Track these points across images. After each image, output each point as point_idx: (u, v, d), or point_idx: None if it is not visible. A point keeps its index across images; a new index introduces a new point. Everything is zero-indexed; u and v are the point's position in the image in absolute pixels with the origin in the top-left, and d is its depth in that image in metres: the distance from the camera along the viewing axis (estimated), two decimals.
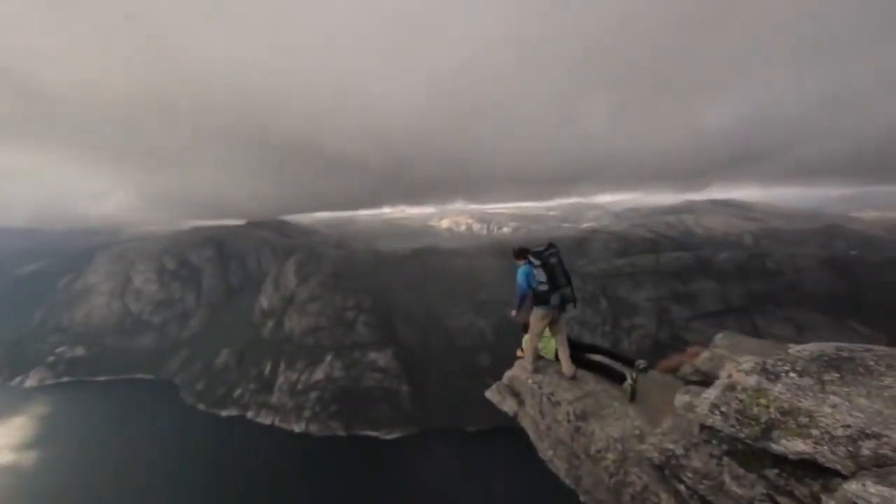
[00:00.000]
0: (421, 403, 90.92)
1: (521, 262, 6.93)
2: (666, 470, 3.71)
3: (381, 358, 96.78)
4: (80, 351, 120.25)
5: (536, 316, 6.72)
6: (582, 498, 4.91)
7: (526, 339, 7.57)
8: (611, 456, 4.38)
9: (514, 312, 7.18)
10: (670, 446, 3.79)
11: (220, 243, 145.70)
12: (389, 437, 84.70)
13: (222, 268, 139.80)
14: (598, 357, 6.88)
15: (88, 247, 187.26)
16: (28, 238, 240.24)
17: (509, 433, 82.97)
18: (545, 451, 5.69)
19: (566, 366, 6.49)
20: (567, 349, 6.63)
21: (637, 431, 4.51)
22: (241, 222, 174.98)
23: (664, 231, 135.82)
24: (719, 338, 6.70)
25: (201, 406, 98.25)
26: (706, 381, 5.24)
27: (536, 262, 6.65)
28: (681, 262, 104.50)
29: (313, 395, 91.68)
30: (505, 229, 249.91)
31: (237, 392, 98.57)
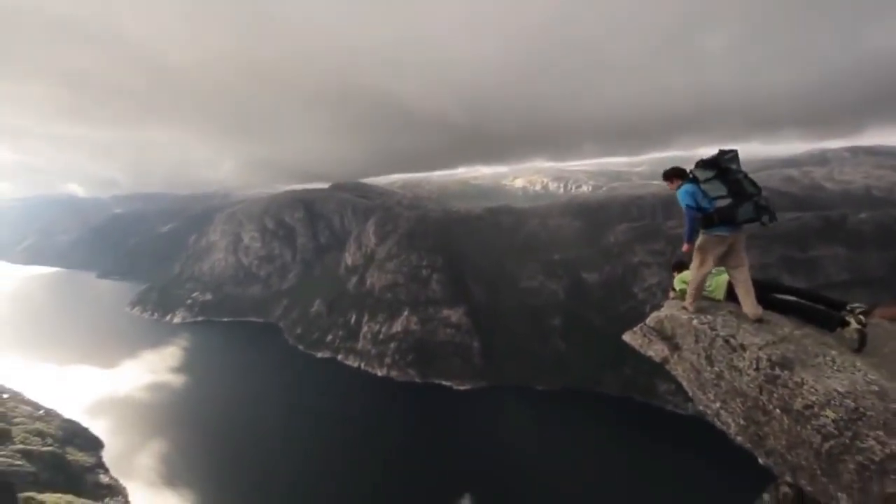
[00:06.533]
0: (491, 359, 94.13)
1: (678, 183, 5.76)
2: None
3: (453, 314, 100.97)
4: (208, 296, 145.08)
5: (710, 243, 5.46)
6: (763, 460, 4.28)
7: (680, 279, 6.34)
8: (830, 413, 3.60)
9: (685, 247, 5.80)
10: None
11: (309, 205, 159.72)
12: (461, 387, 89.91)
13: (312, 227, 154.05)
14: (790, 298, 5.63)
15: (207, 208, 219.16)
16: (163, 201, 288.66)
17: (577, 395, 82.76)
18: (709, 403, 4.87)
19: (750, 304, 5.22)
20: (751, 284, 5.40)
21: (875, 387, 3.62)
22: (325, 185, 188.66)
23: (781, 187, 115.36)
24: None
25: (301, 347, 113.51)
26: None
27: (708, 174, 5.40)
28: (800, 223, 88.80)
29: (393, 344, 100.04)
30: (584, 188, 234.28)
31: (329, 337, 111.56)
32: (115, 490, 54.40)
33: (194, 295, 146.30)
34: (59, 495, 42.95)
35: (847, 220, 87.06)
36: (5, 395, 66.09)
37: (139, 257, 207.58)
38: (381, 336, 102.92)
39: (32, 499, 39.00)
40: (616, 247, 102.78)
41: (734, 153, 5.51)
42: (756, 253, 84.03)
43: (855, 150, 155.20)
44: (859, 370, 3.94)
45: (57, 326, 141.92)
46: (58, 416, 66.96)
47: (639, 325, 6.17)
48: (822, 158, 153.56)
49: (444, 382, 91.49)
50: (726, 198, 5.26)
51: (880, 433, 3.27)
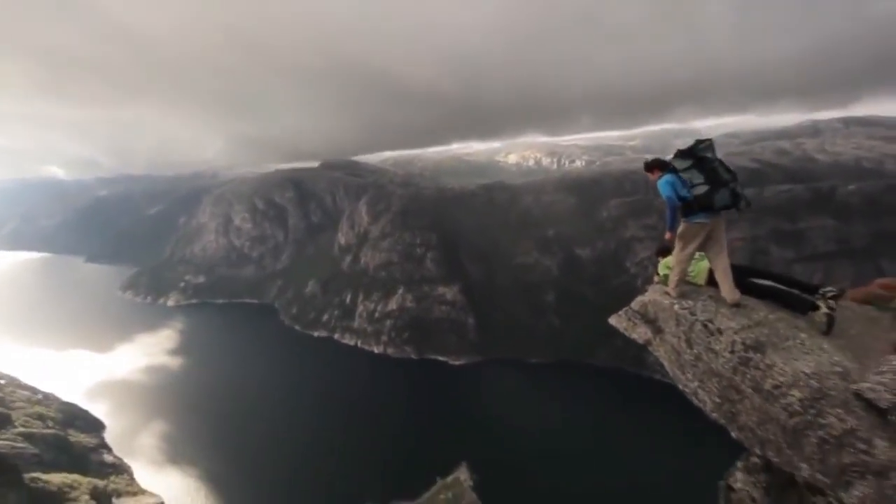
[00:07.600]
0: (486, 335, 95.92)
1: (658, 174, 6.05)
2: (893, 416, 3.31)
3: (448, 292, 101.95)
4: (201, 279, 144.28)
5: (690, 230, 5.69)
6: (735, 434, 4.59)
7: (664, 264, 6.60)
8: (797, 393, 3.86)
9: (668, 235, 6.05)
10: None
11: (299, 184, 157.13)
12: (457, 363, 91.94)
13: (303, 207, 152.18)
14: (767, 283, 5.83)
15: (195, 189, 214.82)
16: (148, 183, 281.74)
17: (570, 367, 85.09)
18: (688, 382, 5.17)
19: (728, 289, 5.42)
20: (730, 270, 5.59)
21: (838, 368, 3.91)
22: (315, 164, 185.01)
23: (772, 159, 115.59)
24: None
25: (297, 327, 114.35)
26: None
27: (685, 164, 5.70)
28: (790, 195, 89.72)
29: (389, 322, 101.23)
30: (577, 162, 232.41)
31: (325, 317, 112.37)
32: (120, 468, 55.75)
33: (187, 277, 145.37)
34: (64, 474, 43.94)
35: (836, 191, 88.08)
36: (2, 381, 66.29)
37: (127, 240, 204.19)
38: (376, 314, 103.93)
39: (38, 479, 39.85)
40: (609, 222, 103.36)
41: (709, 142, 5.77)
42: (746, 226, 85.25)
43: (847, 121, 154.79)
44: (826, 352, 4.20)
45: (48, 312, 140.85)
46: (56, 399, 67.53)
47: (623, 309, 6.48)
48: (814, 130, 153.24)
49: (439, 358, 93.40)
50: (703, 185, 5.50)
51: (840, 411, 3.56)
